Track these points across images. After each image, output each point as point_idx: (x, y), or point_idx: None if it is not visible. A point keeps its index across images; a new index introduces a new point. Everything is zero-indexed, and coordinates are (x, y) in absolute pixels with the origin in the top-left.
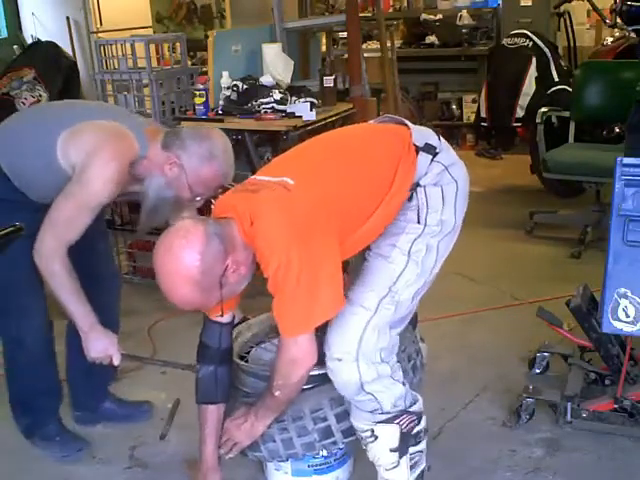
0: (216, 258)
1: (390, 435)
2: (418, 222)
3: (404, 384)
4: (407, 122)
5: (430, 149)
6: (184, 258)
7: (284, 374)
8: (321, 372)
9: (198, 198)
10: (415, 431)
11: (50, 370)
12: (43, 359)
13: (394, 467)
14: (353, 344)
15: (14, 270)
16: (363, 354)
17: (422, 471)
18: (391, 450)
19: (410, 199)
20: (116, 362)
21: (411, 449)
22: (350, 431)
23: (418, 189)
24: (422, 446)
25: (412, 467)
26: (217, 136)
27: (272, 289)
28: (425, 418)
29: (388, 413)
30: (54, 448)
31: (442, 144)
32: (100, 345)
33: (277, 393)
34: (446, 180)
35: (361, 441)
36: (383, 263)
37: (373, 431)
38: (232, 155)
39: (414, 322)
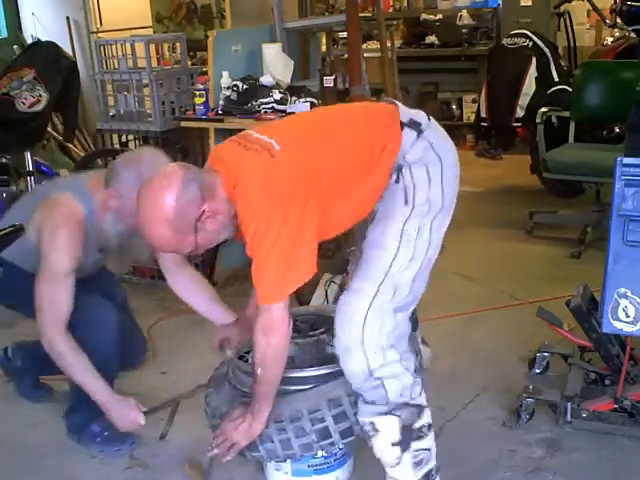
0: (192, 202)
1: (390, 427)
2: (406, 203)
3: (414, 375)
4: (395, 101)
5: (415, 125)
6: (160, 198)
7: (261, 348)
8: (320, 372)
9: None
10: (418, 425)
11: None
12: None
13: (397, 464)
14: (357, 331)
15: None
16: (368, 339)
17: (430, 470)
18: (393, 444)
19: (397, 181)
20: (142, 422)
21: (414, 445)
22: (348, 432)
23: (403, 169)
24: (428, 443)
25: (417, 464)
26: (146, 156)
27: (250, 252)
28: (429, 413)
29: (390, 404)
30: (95, 447)
31: (431, 123)
32: (123, 417)
33: (259, 371)
34: (431, 158)
35: (365, 437)
36: (376, 251)
37: (374, 424)
38: None
39: (415, 324)
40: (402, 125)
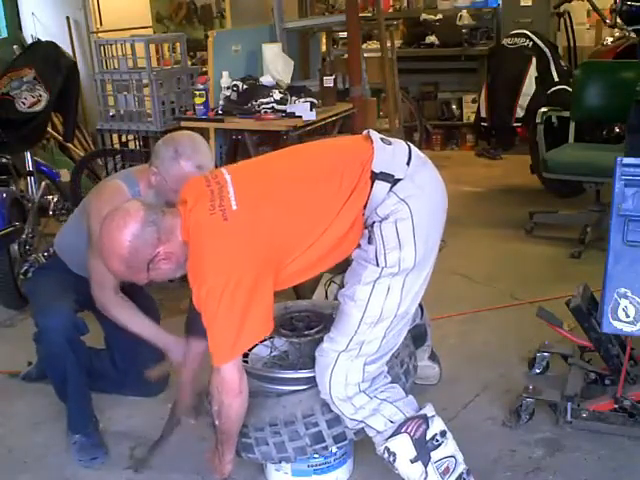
0: (147, 244)
1: (403, 445)
2: (377, 265)
3: (400, 398)
4: (374, 140)
5: (388, 177)
6: (118, 236)
7: (216, 400)
8: (314, 374)
9: None
10: (430, 435)
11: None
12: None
13: (425, 479)
14: (326, 383)
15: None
16: (334, 391)
17: (461, 475)
18: (412, 461)
19: (370, 242)
20: None
21: (434, 455)
22: (341, 437)
23: (375, 228)
24: (449, 450)
25: (444, 473)
26: (184, 136)
27: (197, 307)
28: (439, 421)
29: (390, 428)
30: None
31: (411, 165)
32: (179, 354)
33: (217, 422)
34: (402, 214)
35: (390, 466)
36: (349, 305)
37: (388, 448)
38: (204, 149)
39: (423, 338)
40: (374, 176)
